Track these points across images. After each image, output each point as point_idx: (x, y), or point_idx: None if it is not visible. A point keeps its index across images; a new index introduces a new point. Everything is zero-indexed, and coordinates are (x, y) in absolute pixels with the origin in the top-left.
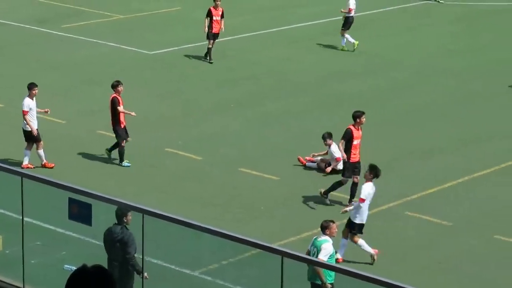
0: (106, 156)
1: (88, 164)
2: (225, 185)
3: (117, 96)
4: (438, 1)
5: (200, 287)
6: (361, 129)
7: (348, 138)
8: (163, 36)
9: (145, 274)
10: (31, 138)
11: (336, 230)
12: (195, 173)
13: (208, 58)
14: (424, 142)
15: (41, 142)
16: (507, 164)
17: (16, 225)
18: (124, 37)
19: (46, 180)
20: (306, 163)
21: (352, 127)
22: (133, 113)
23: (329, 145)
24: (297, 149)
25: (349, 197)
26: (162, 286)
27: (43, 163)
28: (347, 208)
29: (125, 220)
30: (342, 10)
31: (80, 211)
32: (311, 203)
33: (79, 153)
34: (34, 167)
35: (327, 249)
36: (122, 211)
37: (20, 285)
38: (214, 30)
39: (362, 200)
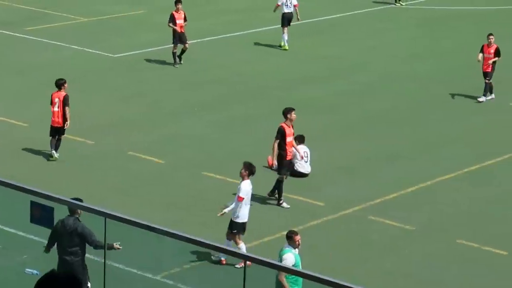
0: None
1: (50, 167)
2: (188, 189)
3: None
4: (401, 4)
5: None
6: (293, 126)
7: (281, 136)
8: (127, 39)
9: (117, 245)
10: None
11: (299, 241)
12: (158, 176)
13: (178, 60)
14: (387, 147)
15: None
16: (469, 169)
17: None
18: (88, 40)
19: (7, 183)
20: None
21: (284, 125)
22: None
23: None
24: (261, 153)
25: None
26: None
27: None
28: (225, 210)
29: (78, 212)
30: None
31: (42, 215)
32: (275, 207)
33: (41, 156)
34: None
35: (286, 260)
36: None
37: None
38: (179, 33)
39: (241, 199)
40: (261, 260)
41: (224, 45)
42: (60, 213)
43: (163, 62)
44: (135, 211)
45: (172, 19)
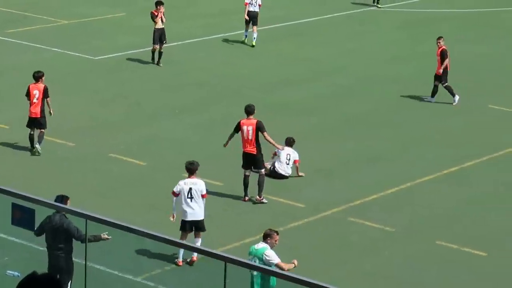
0: (48, 161)
1: (30, 169)
2: (169, 191)
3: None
4: (377, 6)
5: None
6: None
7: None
8: (108, 42)
9: (105, 235)
10: None
11: (277, 241)
12: (139, 178)
13: (155, 61)
14: (367, 149)
15: None
16: (449, 170)
17: None
18: (69, 42)
19: None
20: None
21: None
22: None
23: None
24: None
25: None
26: None
27: None
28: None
29: None
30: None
31: (23, 217)
32: (254, 209)
33: (22, 158)
34: None
35: (270, 256)
36: (60, 199)
37: None
38: (158, 31)
39: (175, 194)
40: (241, 261)
41: (205, 48)
42: (41, 215)
43: (144, 64)
44: (115, 213)
45: (153, 17)
